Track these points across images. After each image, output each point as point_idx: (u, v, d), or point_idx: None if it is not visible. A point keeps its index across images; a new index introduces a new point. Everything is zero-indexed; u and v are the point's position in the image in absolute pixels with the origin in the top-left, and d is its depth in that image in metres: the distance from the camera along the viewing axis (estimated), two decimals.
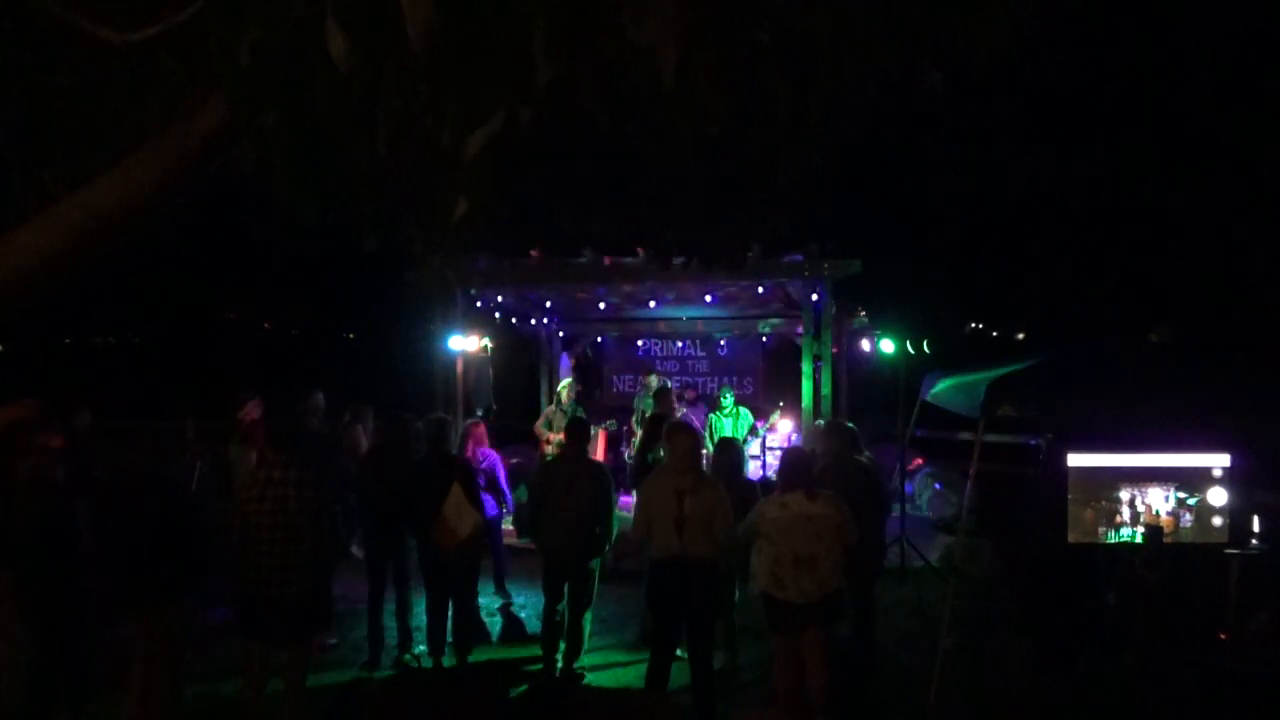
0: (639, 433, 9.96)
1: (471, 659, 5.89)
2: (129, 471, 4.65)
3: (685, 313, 11.80)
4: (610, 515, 5.63)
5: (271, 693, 4.74)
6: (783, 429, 10.00)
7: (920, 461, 10.68)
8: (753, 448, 9.70)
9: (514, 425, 12.45)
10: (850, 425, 6.06)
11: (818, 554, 4.52)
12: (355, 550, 8.42)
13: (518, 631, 6.65)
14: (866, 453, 6.09)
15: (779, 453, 9.35)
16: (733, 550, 4.88)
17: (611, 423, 10.91)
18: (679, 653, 4.99)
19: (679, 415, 9.48)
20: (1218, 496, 5.00)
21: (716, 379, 12.20)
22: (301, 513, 4.52)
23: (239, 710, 4.79)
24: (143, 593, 4.46)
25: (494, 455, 6.74)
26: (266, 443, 4.93)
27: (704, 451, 6.94)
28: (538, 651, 5.99)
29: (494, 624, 6.72)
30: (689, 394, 11.01)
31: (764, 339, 12.23)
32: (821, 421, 7.99)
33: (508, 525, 7.74)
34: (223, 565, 4.74)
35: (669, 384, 10.21)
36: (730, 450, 6.11)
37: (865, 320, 11.30)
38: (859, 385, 12.03)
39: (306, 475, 4.65)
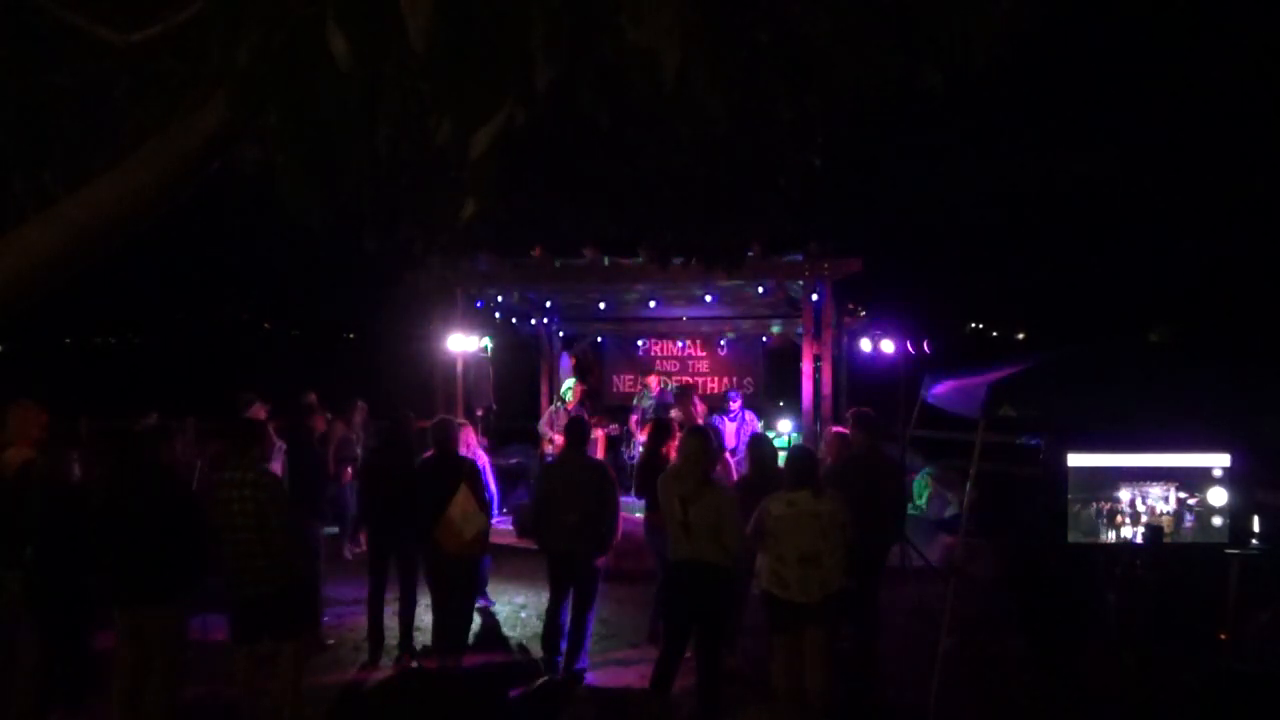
0: (638, 433, 9.99)
1: (472, 660, 5.89)
2: (130, 467, 4.64)
3: (685, 313, 11.81)
4: (614, 515, 5.63)
5: (270, 696, 4.74)
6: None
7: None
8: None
9: (514, 425, 12.47)
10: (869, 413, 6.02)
11: (822, 552, 4.53)
12: (346, 553, 8.44)
13: (513, 633, 6.65)
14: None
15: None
16: (743, 555, 4.89)
17: (614, 426, 10.91)
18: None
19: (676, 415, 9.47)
20: (1218, 496, 5.00)
21: (717, 379, 12.20)
22: (259, 513, 4.51)
23: (235, 715, 4.80)
24: (138, 590, 4.44)
25: (483, 457, 6.75)
26: (223, 444, 4.93)
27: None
28: (538, 652, 5.99)
29: (489, 624, 6.73)
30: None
31: (764, 339, 12.23)
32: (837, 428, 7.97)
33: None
34: (217, 566, 4.75)
35: (687, 386, 10.14)
36: (761, 449, 6.10)
37: (865, 320, 11.30)
38: (859, 385, 12.03)
39: (261, 476, 4.64)
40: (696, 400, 8.50)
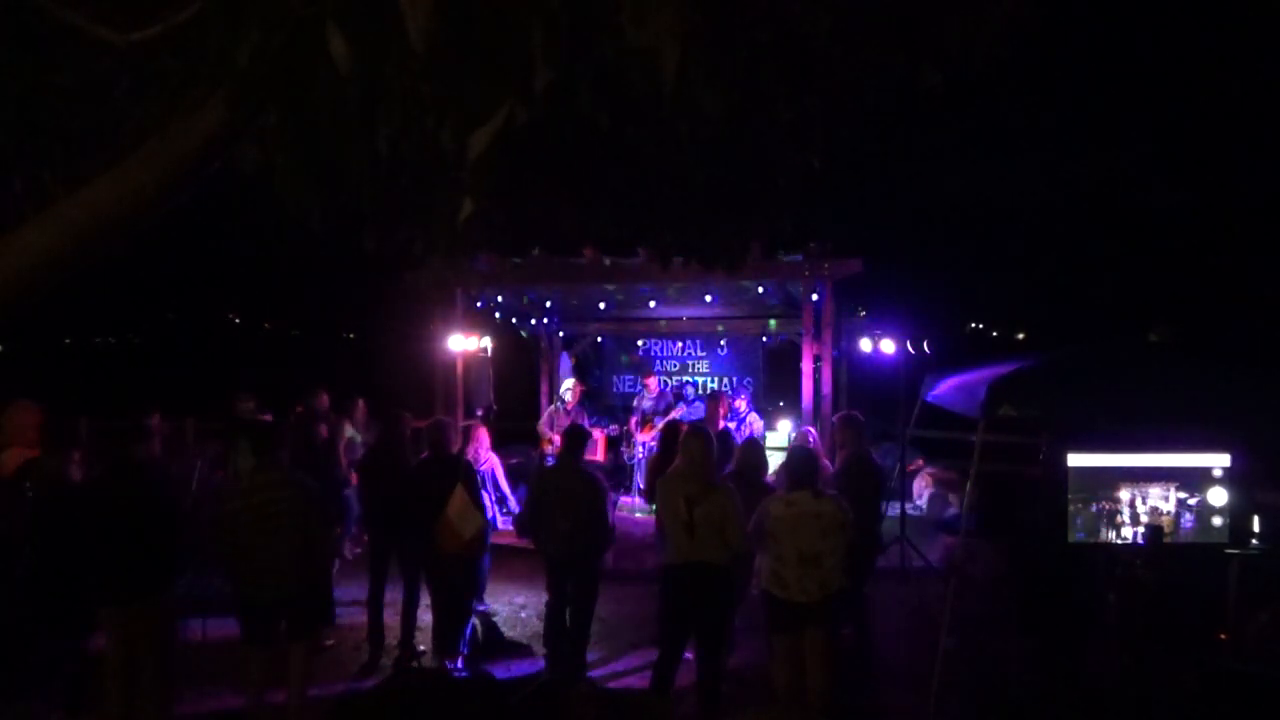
0: (638, 434, 9.99)
1: (471, 660, 5.89)
2: (114, 465, 4.64)
3: (685, 313, 11.80)
4: (605, 520, 5.64)
5: (271, 695, 4.74)
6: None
7: (920, 463, 10.68)
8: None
9: (514, 425, 12.46)
10: (856, 415, 6.08)
11: (822, 552, 4.53)
12: (346, 553, 8.43)
13: (513, 633, 6.65)
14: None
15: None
16: (745, 554, 4.88)
17: (613, 427, 10.91)
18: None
19: (680, 415, 9.46)
20: (1218, 496, 5.00)
21: (717, 379, 12.19)
22: (289, 514, 4.54)
23: (239, 714, 4.80)
24: (123, 589, 4.42)
25: (494, 459, 6.72)
26: (251, 447, 4.93)
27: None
28: (539, 651, 5.99)
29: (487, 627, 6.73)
30: (688, 392, 11.00)
31: (764, 339, 12.23)
32: (812, 429, 7.98)
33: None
34: (212, 566, 4.74)
35: (718, 392, 10.11)
36: (752, 452, 6.08)
37: (865, 320, 11.30)
38: (859, 385, 12.02)
39: (292, 477, 4.65)
40: (723, 406, 8.50)
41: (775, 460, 9.10)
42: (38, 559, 4.52)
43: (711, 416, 8.11)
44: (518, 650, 6.25)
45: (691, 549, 4.75)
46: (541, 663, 5.83)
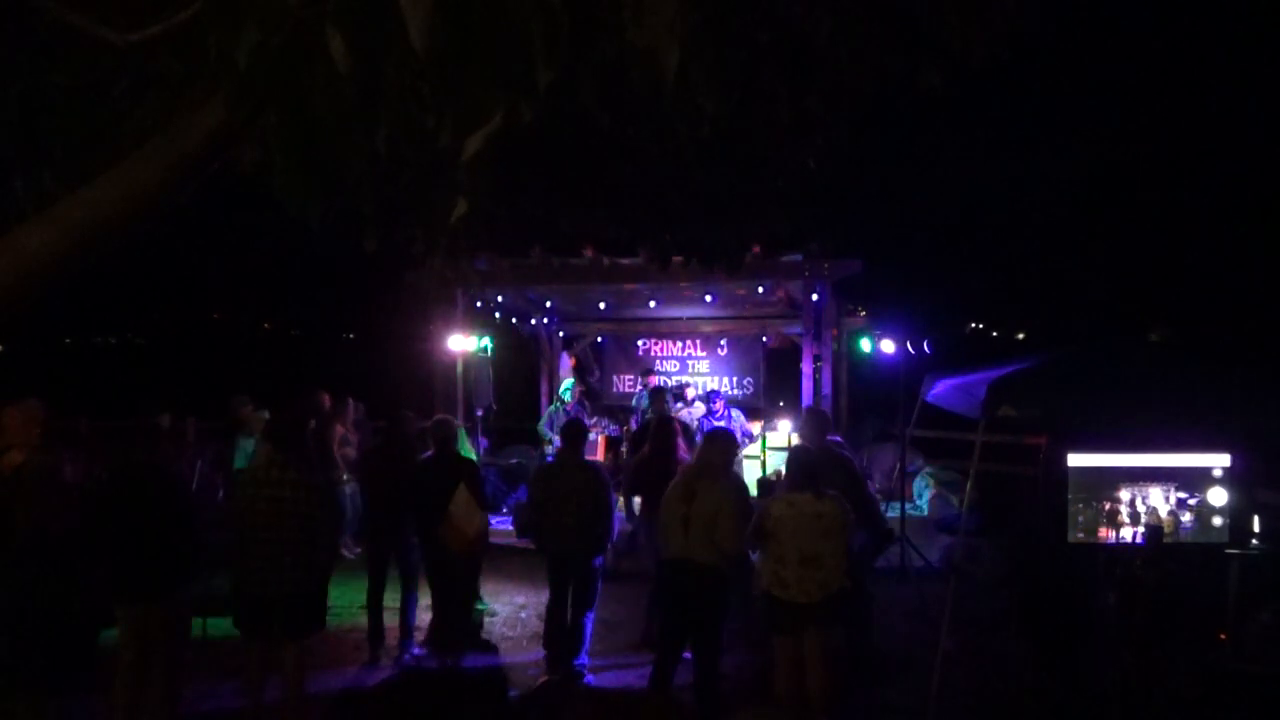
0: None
1: (472, 660, 5.89)
2: (128, 465, 4.64)
3: (685, 313, 11.80)
4: (609, 515, 5.64)
5: (270, 694, 4.75)
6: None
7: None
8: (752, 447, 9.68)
9: (514, 425, 12.47)
10: (823, 411, 6.04)
11: (823, 553, 4.53)
12: (345, 551, 8.43)
13: (513, 633, 6.65)
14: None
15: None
16: (738, 554, 4.87)
17: (614, 427, 10.91)
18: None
19: (678, 414, 9.47)
20: (1218, 496, 5.01)
21: (717, 379, 12.19)
22: (301, 514, 4.56)
23: (239, 712, 4.79)
24: (139, 587, 4.44)
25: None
26: (269, 443, 4.96)
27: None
28: (538, 652, 5.99)
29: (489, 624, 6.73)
30: (687, 393, 10.99)
31: (764, 339, 12.23)
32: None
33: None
34: (218, 562, 4.74)
35: (665, 385, 10.22)
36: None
37: (865, 320, 11.31)
38: (859, 385, 12.02)
39: (307, 476, 4.67)
40: (670, 401, 8.57)
41: (775, 460, 9.14)
42: (56, 556, 4.53)
43: (657, 410, 8.18)
44: (517, 650, 6.25)
45: (684, 546, 4.74)
46: (541, 662, 5.82)
